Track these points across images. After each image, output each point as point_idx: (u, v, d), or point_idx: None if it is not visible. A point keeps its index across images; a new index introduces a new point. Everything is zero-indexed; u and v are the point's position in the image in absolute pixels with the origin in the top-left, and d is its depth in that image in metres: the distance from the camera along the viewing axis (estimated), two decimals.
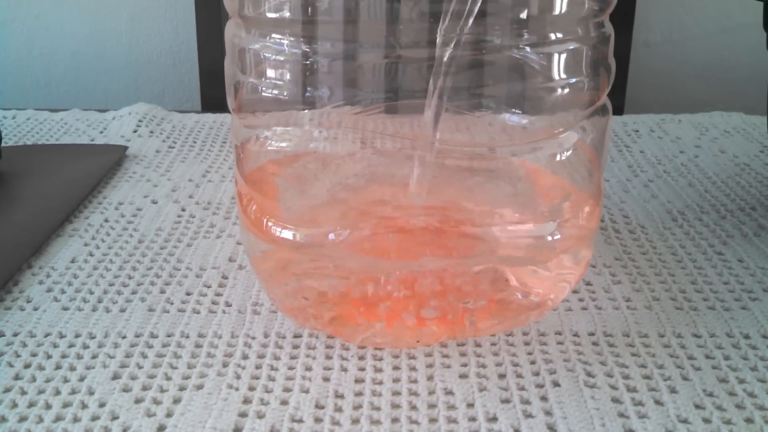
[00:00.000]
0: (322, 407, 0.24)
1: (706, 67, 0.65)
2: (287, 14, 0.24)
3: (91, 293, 0.30)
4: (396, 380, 0.25)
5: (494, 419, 0.23)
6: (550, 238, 0.26)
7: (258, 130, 0.26)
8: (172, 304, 0.29)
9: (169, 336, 0.27)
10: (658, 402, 0.24)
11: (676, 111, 0.51)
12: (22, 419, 0.23)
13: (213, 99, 0.60)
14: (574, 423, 0.23)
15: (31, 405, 0.24)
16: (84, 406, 0.24)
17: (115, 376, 0.25)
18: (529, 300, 0.26)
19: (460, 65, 0.24)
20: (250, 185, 0.27)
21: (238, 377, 0.25)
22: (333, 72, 0.24)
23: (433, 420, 0.23)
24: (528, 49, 0.24)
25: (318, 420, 0.23)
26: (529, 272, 0.26)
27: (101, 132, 0.48)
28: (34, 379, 0.25)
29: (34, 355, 0.26)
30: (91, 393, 0.24)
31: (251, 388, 0.24)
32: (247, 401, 0.24)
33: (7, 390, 0.24)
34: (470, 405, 0.24)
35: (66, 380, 0.25)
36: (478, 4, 0.22)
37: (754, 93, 0.50)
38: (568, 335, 0.27)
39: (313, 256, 0.25)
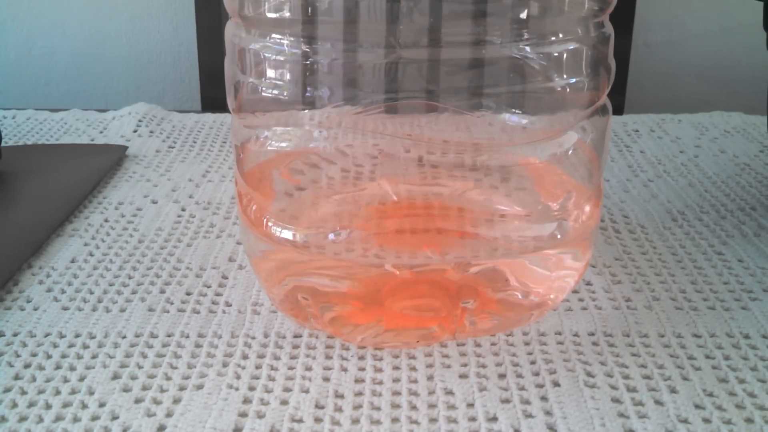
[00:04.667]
0: (322, 407, 0.24)
1: (706, 67, 0.65)
2: (287, 14, 0.24)
3: (91, 293, 0.30)
4: (396, 380, 0.25)
5: (494, 419, 0.23)
6: (550, 237, 0.26)
7: (258, 130, 0.26)
8: (172, 304, 0.29)
9: (169, 336, 0.27)
10: (658, 402, 0.24)
11: (676, 111, 0.51)
12: (22, 419, 0.23)
13: (213, 99, 0.60)
14: (574, 423, 0.23)
15: (31, 405, 0.24)
16: (84, 406, 0.24)
17: (115, 376, 0.25)
18: (529, 300, 0.26)
19: (460, 65, 0.24)
20: (249, 185, 0.27)
21: (238, 377, 0.25)
22: (333, 72, 0.24)
23: (433, 420, 0.23)
24: (528, 49, 0.24)
25: (318, 420, 0.23)
26: (529, 272, 0.26)
27: (101, 132, 0.48)
28: (34, 379, 0.25)
29: (34, 355, 0.26)
30: (91, 393, 0.24)
31: (251, 388, 0.24)
32: (247, 401, 0.24)
33: (7, 390, 0.24)
34: (470, 405, 0.24)
35: (66, 380, 0.25)
36: None
37: (754, 93, 0.50)
38: (568, 335, 0.27)
39: (313, 256, 0.25)
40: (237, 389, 0.24)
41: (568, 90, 0.25)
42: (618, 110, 0.56)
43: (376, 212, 0.27)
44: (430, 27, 0.23)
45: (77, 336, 0.27)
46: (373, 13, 0.23)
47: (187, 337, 0.27)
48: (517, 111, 0.25)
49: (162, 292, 0.30)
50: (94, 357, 0.26)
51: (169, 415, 0.23)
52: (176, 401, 0.24)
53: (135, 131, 0.47)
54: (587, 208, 0.26)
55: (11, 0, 0.66)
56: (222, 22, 0.57)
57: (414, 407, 0.24)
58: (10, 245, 0.32)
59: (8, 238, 0.33)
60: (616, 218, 0.36)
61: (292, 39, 0.24)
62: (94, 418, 0.23)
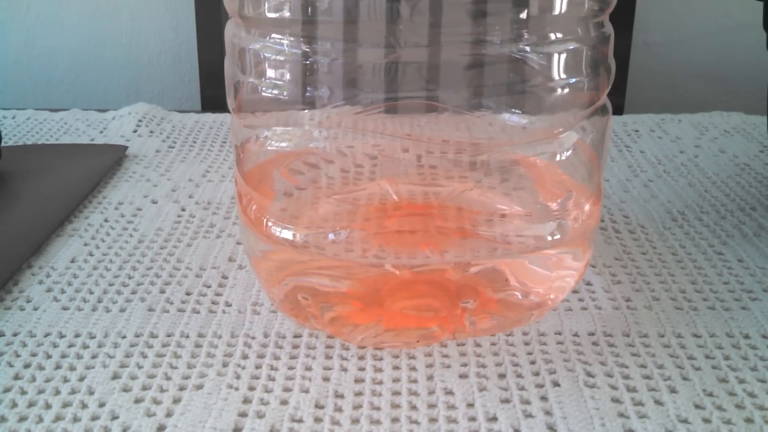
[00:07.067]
0: (322, 407, 0.24)
1: (706, 67, 0.65)
2: (287, 14, 0.24)
3: (91, 293, 0.30)
4: (396, 380, 0.25)
5: (494, 419, 0.23)
6: (550, 237, 0.26)
7: (258, 130, 0.26)
8: (172, 304, 0.29)
9: (169, 336, 0.27)
10: (658, 402, 0.24)
11: (676, 111, 0.51)
12: (22, 419, 0.23)
13: (213, 99, 0.60)
14: (574, 423, 0.23)
15: (31, 405, 0.24)
16: (84, 406, 0.24)
17: (115, 376, 0.25)
18: (529, 300, 0.26)
19: (460, 65, 0.24)
20: (249, 185, 0.27)
21: (238, 377, 0.25)
22: (333, 72, 0.24)
23: (433, 420, 0.23)
24: (528, 49, 0.24)
25: (318, 420, 0.23)
26: (529, 272, 0.26)
27: (101, 132, 0.48)
28: (34, 379, 0.25)
29: (34, 355, 0.26)
30: (91, 393, 0.24)
31: (251, 388, 0.24)
32: (247, 401, 0.24)
33: (7, 390, 0.24)
34: (470, 405, 0.24)
35: (66, 380, 0.25)
36: None
37: (754, 93, 0.50)
38: (568, 335, 0.27)
39: (313, 256, 0.25)
40: (237, 389, 0.24)
41: (568, 90, 0.25)
42: (618, 110, 0.56)
43: (376, 212, 0.27)
44: (430, 27, 0.23)
45: (77, 336, 0.27)
46: (373, 13, 0.23)
47: (187, 337, 0.27)
48: (517, 111, 0.25)
49: (162, 292, 0.30)
50: (94, 357, 0.26)
51: (169, 415, 0.23)
52: (176, 401, 0.24)
53: (135, 131, 0.47)
54: (587, 208, 0.26)
55: (11, 0, 0.66)
56: (222, 22, 0.57)
57: (414, 407, 0.24)
58: (10, 245, 0.32)
59: (8, 238, 0.33)
60: (616, 218, 0.36)
61: (292, 39, 0.24)
62: (94, 418, 0.23)
